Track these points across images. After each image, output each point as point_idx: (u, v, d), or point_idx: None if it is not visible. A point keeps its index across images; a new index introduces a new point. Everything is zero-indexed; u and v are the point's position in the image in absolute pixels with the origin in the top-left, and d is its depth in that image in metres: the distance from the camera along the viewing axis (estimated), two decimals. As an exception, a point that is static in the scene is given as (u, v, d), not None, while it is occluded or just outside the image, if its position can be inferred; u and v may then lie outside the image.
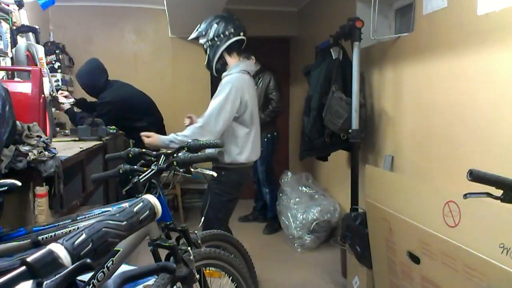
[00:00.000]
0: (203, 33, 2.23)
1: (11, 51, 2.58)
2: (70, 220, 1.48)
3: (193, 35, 2.29)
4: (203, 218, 1.81)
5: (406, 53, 2.39)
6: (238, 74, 2.22)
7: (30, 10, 3.16)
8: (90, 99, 3.43)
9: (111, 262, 1.18)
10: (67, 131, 3.37)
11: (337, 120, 2.69)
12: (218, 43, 2.21)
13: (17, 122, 1.75)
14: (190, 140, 1.78)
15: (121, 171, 1.48)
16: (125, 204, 1.32)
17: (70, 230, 1.42)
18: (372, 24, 2.53)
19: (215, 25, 2.21)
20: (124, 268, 1.11)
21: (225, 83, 2.17)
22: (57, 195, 1.87)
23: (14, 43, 2.65)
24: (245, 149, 2.26)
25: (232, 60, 2.27)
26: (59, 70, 3.78)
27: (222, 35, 2.20)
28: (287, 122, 5.09)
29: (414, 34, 2.30)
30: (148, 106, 3.47)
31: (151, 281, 1.42)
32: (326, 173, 3.94)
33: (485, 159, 1.74)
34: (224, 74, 2.26)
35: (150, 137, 2.14)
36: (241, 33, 2.26)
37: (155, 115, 3.48)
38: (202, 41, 2.25)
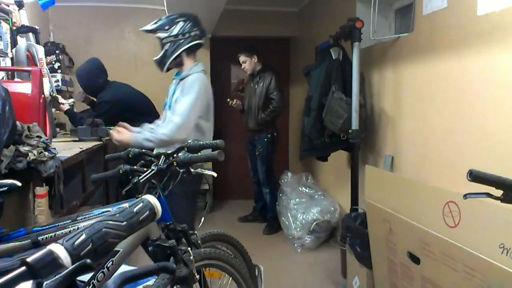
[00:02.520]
0: (166, 27, 2.15)
1: (11, 52, 2.58)
2: (70, 221, 1.48)
3: (150, 27, 2.18)
4: (203, 218, 1.81)
5: (406, 53, 2.39)
6: (201, 74, 2.21)
7: (30, 10, 3.16)
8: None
9: (111, 262, 1.17)
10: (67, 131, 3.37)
11: (337, 121, 2.69)
12: (181, 41, 2.16)
13: (17, 123, 1.75)
14: (165, 138, 1.97)
15: (121, 172, 1.48)
16: (125, 205, 1.32)
17: (70, 231, 1.42)
18: (372, 24, 2.53)
19: (181, 23, 2.16)
20: (124, 268, 1.11)
21: (193, 81, 2.15)
22: (57, 195, 1.86)
23: (14, 43, 2.65)
24: None
25: (188, 61, 2.23)
26: (59, 71, 3.78)
27: (187, 34, 2.17)
28: (287, 122, 5.09)
29: (414, 34, 2.30)
30: (146, 106, 3.47)
31: (151, 281, 1.42)
32: (326, 173, 3.94)
33: (485, 159, 1.74)
34: (184, 73, 2.21)
35: (120, 133, 2.01)
36: (203, 38, 2.25)
37: (153, 115, 3.47)
38: (162, 35, 2.16)
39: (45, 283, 0.50)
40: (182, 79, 2.20)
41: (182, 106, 2.09)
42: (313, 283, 2.82)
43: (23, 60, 2.45)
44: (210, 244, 1.74)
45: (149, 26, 2.19)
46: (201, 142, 1.55)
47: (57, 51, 3.82)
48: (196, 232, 1.56)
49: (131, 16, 4.50)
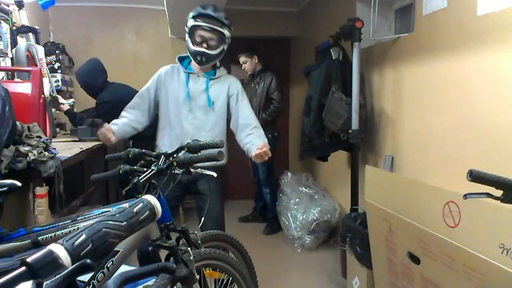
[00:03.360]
0: (231, 27, 2.10)
1: (11, 52, 2.58)
2: (70, 221, 1.48)
3: (224, 20, 2.06)
4: (203, 219, 1.81)
5: (406, 53, 2.39)
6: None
7: (30, 10, 3.16)
8: (88, 99, 3.43)
9: (111, 262, 1.17)
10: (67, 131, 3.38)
11: (337, 121, 2.69)
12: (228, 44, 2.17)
13: (17, 123, 1.75)
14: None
15: (121, 172, 1.47)
16: (125, 205, 1.32)
17: (70, 231, 1.42)
18: (372, 24, 2.53)
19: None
20: (124, 268, 1.11)
21: (237, 81, 2.27)
22: (57, 195, 1.87)
23: (14, 43, 2.65)
24: None
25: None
26: (59, 71, 3.78)
27: None
28: (287, 122, 5.09)
29: (414, 34, 2.30)
30: None
31: (151, 281, 1.42)
32: (326, 173, 3.94)
33: (485, 159, 1.74)
34: (219, 73, 2.23)
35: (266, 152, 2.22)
36: None
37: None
38: (227, 33, 2.09)
39: (45, 283, 0.50)
40: (214, 78, 2.21)
41: (251, 110, 2.31)
42: (313, 283, 2.82)
43: (23, 60, 2.45)
44: (210, 244, 1.74)
45: (223, 18, 2.06)
46: (201, 142, 1.55)
47: (57, 51, 3.82)
48: (196, 232, 1.56)
49: (131, 16, 4.50)
